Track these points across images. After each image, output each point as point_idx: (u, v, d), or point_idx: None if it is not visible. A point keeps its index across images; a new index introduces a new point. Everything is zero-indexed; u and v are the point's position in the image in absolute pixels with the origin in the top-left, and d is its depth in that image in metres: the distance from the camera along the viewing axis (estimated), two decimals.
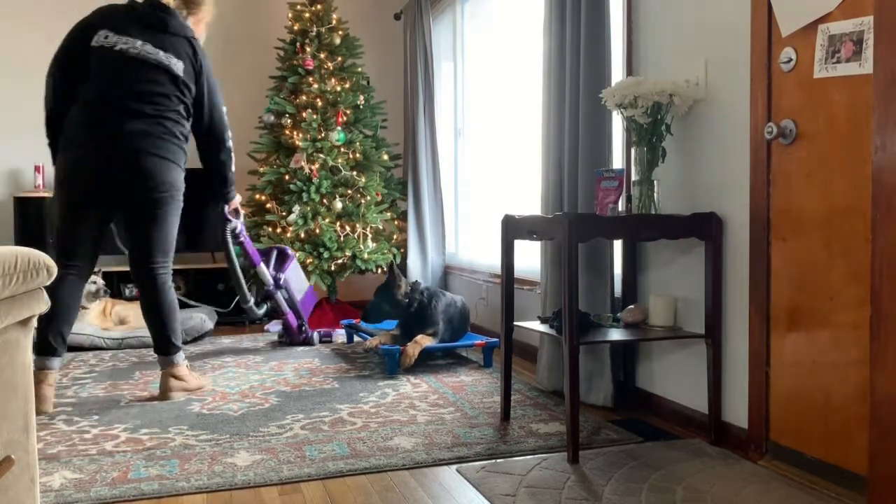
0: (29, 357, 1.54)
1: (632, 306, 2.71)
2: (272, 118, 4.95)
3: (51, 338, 2.89)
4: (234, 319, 5.10)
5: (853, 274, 1.99)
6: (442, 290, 3.97)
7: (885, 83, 1.36)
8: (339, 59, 5.03)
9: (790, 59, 2.17)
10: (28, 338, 1.53)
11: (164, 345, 3.06)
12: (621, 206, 2.59)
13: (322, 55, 4.96)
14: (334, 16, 5.06)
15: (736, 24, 2.39)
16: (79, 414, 2.86)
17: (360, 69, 5.11)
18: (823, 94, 2.08)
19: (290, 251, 4.42)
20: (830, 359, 2.07)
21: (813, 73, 2.09)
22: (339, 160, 4.86)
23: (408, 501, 2.02)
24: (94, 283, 4.53)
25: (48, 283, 1.52)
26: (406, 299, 3.77)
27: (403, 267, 5.02)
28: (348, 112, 4.95)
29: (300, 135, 4.82)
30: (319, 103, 4.88)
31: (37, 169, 4.93)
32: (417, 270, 5.07)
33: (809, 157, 2.13)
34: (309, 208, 4.75)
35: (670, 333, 2.59)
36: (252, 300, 4.01)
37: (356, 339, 4.35)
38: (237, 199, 3.59)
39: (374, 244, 4.89)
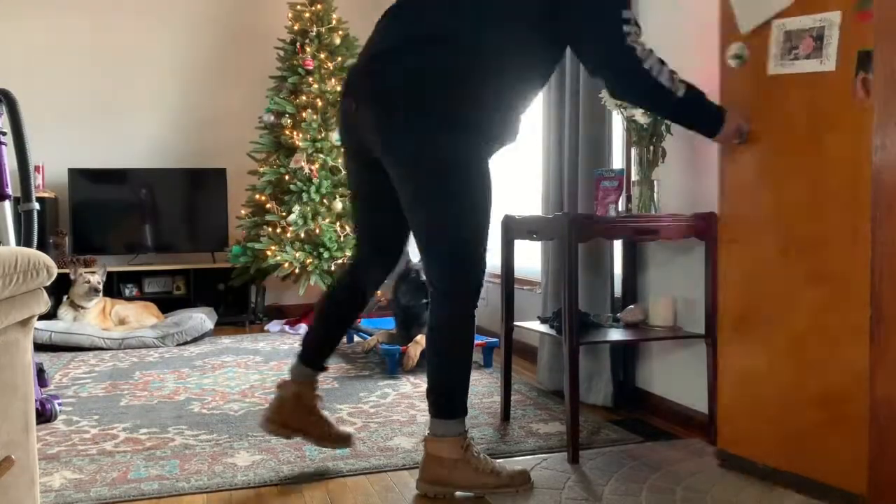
0: (29, 357, 1.54)
1: (632, 306, 2.71)
2: (272, 118, 4.95)
3: None
4: (233, 319, 5.10)
5: (809, 276, 1.95)
6: None
7: (885, 83, 1.36)
8: (340, 59, 5.02)
9: (740, 56, 2.11)
10: (28, 338, 1.53)
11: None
12: (621, 206, 2.59)
13: (322, 55, 4.95)
14: (334, 16, 5.06)
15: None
16: (79, 414, 2.86)
17: None
18: (780, 92, 2.01)
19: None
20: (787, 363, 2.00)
21: (767, 70, 2.03)
22: (340, 160, 4.86)
23: (408, 501, 2.02)
24: (88, 282, 4.51)
25: (48, 283, 1.52)
26: (404, 300, 3.76)
27: None
28: None
29: (300, 135, 4.81)
30: (319, 103, 4.88)
31: (37, 169, 4.92)
32: None
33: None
34: (309, 208, 4.75)
35: (670, 333, 2.59)
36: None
37: (356, 339, 4.35)
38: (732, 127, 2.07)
39: None
